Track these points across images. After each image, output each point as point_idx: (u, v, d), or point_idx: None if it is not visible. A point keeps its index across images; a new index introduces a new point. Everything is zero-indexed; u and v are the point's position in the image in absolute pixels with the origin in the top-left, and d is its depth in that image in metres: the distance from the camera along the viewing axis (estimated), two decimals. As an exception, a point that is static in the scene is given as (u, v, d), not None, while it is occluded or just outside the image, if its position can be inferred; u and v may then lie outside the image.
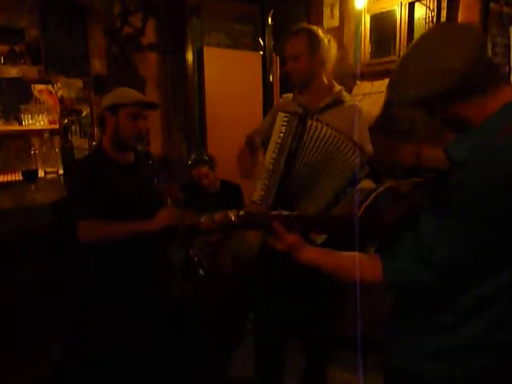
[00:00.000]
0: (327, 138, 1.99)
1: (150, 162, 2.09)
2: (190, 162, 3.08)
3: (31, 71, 3.22)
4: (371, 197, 1.18)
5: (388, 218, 1.16)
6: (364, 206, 1.17)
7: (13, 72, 3.18)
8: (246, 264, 2.96)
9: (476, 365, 1.08)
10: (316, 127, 2.00)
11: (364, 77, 3.28)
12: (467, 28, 1.09)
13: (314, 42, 2.06)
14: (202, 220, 1.22)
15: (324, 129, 2.00)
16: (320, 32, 2.09)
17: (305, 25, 2.14)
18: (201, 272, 2.11)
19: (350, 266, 1.14)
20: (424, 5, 3.02)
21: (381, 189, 1.19)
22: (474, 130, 1.04)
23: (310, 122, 2.01)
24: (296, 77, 2.14)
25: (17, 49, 3.19)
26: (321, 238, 2.04)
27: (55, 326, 2.35)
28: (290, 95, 2.30)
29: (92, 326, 2.04)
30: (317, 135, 2.00)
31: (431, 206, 1.09)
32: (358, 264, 1.13)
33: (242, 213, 1.21)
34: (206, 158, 3.04)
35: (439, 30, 1.15)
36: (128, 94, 1.98)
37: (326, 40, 2.10)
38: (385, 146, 2.94)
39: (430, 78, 1.02)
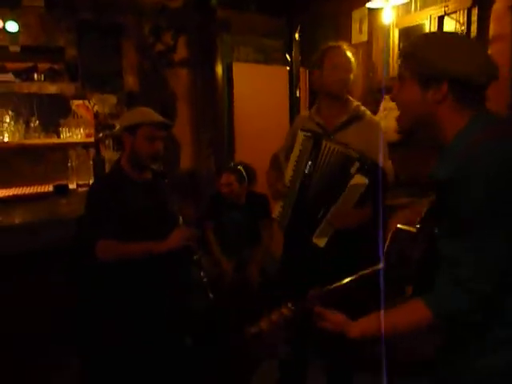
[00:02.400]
0: (336, 155, 2.02)
1: (166, 180, 2.12)
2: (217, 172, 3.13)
3: (69, 88, 3.38)
4: (387, 242, 1.22)
5: (415, 256, 1.19)
6: (385, 253, 1.21)
7: (52, 89, 3.34)
8: (272, 275, 2.98)
9: None
10: (329, 147, 2.03)
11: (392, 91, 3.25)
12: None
13: (353, 58, 2.12)
14: (262, 326, 1.23)
15: (336, 148, 2.02)
16: None
17: (342, 41, 2.18)
18: (210, 295, 2.11)
19: (400, 321, 1.15)
20: (453, 19, 2.97)
21: (391, 234, 1.23)
22: (448, 148, 1.11)
23: (324, 142, 2.04)
24: (343, 86, 2.13)
25: (56, 67, 3.37)
26: (323, 241, 2.06)
27: (71, 337, 2.43)
28: (306, 113, 2.33)
29: (104, 338, 2.09)
30: (329, 155, 2.02)
31: (444, 231, 1.11)
32: (405, 314, 1.14)
33: (290, 305, 1.24)
34: (239, 167, 3.08)
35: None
36: (145, 114, 2.03)
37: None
38: (409, 159, 2.90)
39: (458, 60, 1.08)
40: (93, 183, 2.50)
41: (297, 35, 3.61)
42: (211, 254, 3.04)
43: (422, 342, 1.27)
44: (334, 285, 1.28)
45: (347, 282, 1.29)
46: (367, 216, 2.02)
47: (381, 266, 1.25)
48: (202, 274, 2.10)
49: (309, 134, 2.12)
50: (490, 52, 2.89)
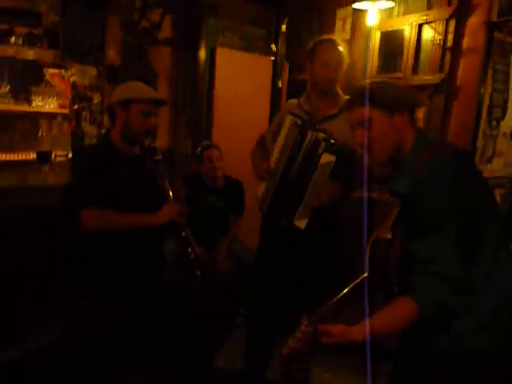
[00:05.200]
0: (313, 142, 2.10)
1: (156, 157, 2.09)
2: (199, 149, 3.12)
3: (47, 55, 3.26)
4: (367, 251, 1.42)
5: (393, 261, 1.40)
6: (367, 262, 1.41)
7: (29, 54, 3.22)
8: (245, 264, 3.05)
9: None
10: (316, 138, 2.12)
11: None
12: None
13: (343, 52, 2.20)
14: (290, 344, 1.34)
15: (322, 140, 2.11)
16: None
17: (330, 35, 2.26)
18: (197, 273, 2.15)
19: (393, 319, 1.33)
20: (432, 28, 3.17)
21: (368, 246, 1.43)
22: (404, 163, 1.39)
23: (310, 133, 2.12)
24: (332, 84, 2.21)
25: (35, 32, 3.24)
26: (304, 223, 2.17)
27: (55, 302, 2.41)
28: (294, 101, 2.38)
29: (87, 306, 2.07)
30: (315, 146, 2.12)
31: (412, 235, 1.32)
32: (397, 312, 1.33)
33: (305, 322, 1.35)
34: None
35: None
36: (141, 89, 2.00)
37: None
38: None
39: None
40: (80, 153, 2.45)
41: (284, 27, 3.69)
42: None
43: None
44: (332, 300, 1.41)
45: (342, 295, 1.42)
46: (339, 192, 2.15)
47: (366, 274, 1.41)
48: (189, 250, 2.12)
49: (296, 119, 2.17)
50: (462, 62, 3.12)
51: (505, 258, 1.34)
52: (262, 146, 2.41)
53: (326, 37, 2.24)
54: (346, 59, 2.20)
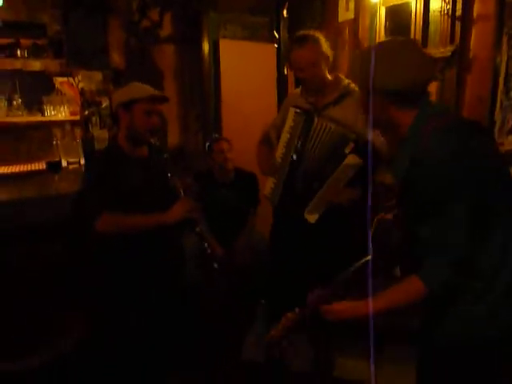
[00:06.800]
0: (330, 132, 2.07)
1: (165, 156, 2.12)
2: (208, 143, 3.11)
3: (53, 64, 3.33)
4: (371, 231, 1.37)
5: (395, 241, 1.37)
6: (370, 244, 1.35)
7: (36, 65, 3.29)
8: (260, 253, 3.04)
9: None
10: (322, 124, 2.08)
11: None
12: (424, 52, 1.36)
13: (323, 45, 2.12)
14: (277, 329, 1.38)
15: (328, 124, 2.07)
16: (320, 35, 2.15)
17: (307, 31, 2.16)
18: (215, 265, 2.16)
19: (401, 296, 1.31)
20: (439, -3, 3.02)
21: (372, 229, 1.39)
22: (404, 141, 1.31)
23: (316, 119, 2.09)
24: (316, 82, 2.16)
25: (39, 43, 3.30)
26: (314, 217, 2.13)
27: (74, 308, 2.47)
28: (298, 90, 2.35)
29: (107, 310, 2.13)
30: (323, 131, 2.08)
31: (415, 216, 1.27)
32: (404, 290, 1.30)
33: (296, 310, 1.37)
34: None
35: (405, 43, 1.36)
36: (140, 89, 2.00)
37: (325, 41, 2.16)
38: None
39: (390, 76, 1.26)
40: (91, 160, 2.49)
41: (285, 12, 3.61)
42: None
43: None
44: (332, 281, 1.42)
45: (342, 277, 1.42)
46: (358, 195, 2.10)
47: (370, 254, 1.38)
48: (205, 245, 2.12)
49: (299, 110, 2.16)
50: (473, 32, 2.97)
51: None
52: (268, 142, 2.39)
53: (297, 35, 2.16)
54: (324, 49, 2.12)
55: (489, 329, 1.28)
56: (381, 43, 1.34)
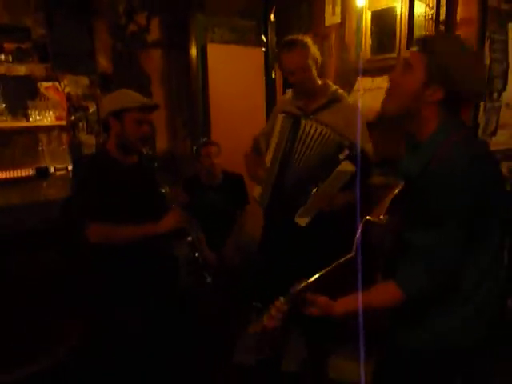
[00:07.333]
0: (319, 134, 2.09)
1: (156, 164, 2.13)
2: (195, 147, 3.13)
3: (38, 69, 3.27)
4: (358, 233, 1.37)
5: (384, 246, 1.37)
6: (355, 245, 1.37)
7: (21, 70, 3.23)
8: (250, 254, 3.04)
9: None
10: (310, 126, 2.10)
11: (365, 73, 3.34)
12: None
13: (313, 50, 2.15)
14: (265, 322, 1.32)
15: (315, 126, 2.09)
16: (309, 39, 2.18)
17: (295, 36, 2.18)
18: (208, 280, 2.15)
19: (375, 299, 1.30)
20: (423, 2, 3.07)
21: (360, 227, 1.38)
22: (422, 146, 1.26)
23: (303, 121, 2.11)
24: (307, 85, 2.18)
25: (24, 47, 3.24)
26: (305, 221, 2.15)
27: (72, 316, 2.43)
28: (287, 96, 2.38)
29: (105, 317, 2.11)
30: (311, 133, 2.10)
31: (414, 223, 1.26)
32: (380, 294, 1.30)
33: (282, 299, 1.34)
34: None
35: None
36: (131, 98, 1.99)
37: (314, 45, 2.19)
38: (383, 139, 3.02)
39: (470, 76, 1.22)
40: (78, 166, 2.46)
41: (272, 16, 3.63)
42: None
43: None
44: (313, 277, 1.39)
45: (324, 273, 1.40)
46: (351, 200, 2.12)
47: (352, 254, 1.39)
48: (196, 255, 2.13)
49: (287, 114, 2.19)
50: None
51: (495, 267, 1.29)
52: (257, 150, 2.40)
53: (285, 40, 2.18)
54: (313, 53, 2.15)
55: (462, 341, 1.29)
56: (464, 44, 1.28)
